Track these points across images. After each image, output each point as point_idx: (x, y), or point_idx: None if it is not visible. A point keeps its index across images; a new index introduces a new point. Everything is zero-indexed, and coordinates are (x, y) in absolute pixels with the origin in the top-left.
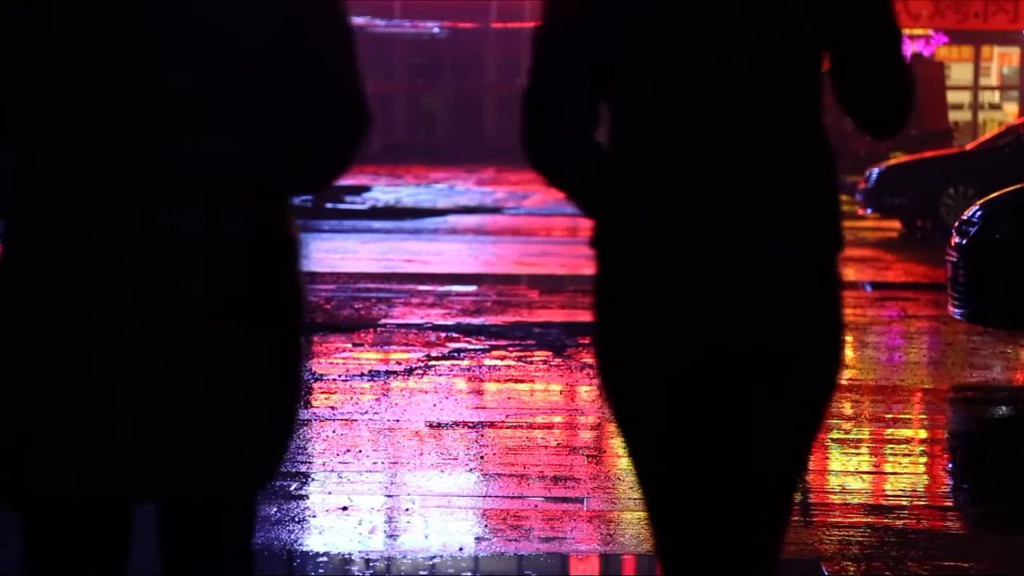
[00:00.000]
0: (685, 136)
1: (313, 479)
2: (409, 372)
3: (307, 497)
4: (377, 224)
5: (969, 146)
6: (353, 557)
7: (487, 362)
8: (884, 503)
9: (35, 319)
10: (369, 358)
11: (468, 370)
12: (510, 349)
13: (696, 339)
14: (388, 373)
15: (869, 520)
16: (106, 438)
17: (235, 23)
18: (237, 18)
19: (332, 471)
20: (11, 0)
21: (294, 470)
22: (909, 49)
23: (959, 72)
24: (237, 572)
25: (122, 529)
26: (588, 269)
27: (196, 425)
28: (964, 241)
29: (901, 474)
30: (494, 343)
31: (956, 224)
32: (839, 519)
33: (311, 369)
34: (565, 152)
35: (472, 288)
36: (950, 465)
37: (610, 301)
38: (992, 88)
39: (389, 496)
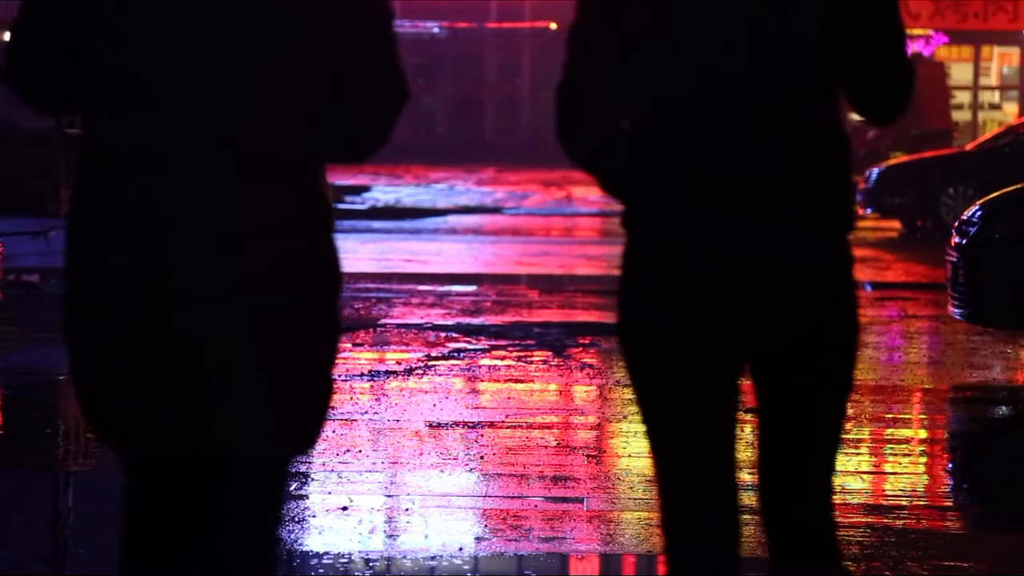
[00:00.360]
0: (712, 126)
1: (313, 479)
2: (409, 372)
3: (307, 497)
4: (377, 224)
5: (969, 146)
6: (353, 557)
7: (487, 362)
8: (884, 503)
9: (115, 286)
10: (369, 358)
11: (468, 370)
12: (510, 349)
13: (727, 317)
14: (388, 373)
15: (869, 520)
16: (189, 399)
17: (285, 5)
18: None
19: (332, 471)
20: None
21: (294, 470)
22: (909, 49)
23: (959, 72)
24: (267, 543)
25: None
26: (588, 269)
27: (263, 388)
28: (964, 241)
29: (901, 474)
30: (494, 343)
31: (956, 224)
32: (839, 519)
33: None
34: (598, 141)
35: (472, 288)
36: (950, 465)
37: (636, 278)
38: (992, 88)
39: (389, 496)
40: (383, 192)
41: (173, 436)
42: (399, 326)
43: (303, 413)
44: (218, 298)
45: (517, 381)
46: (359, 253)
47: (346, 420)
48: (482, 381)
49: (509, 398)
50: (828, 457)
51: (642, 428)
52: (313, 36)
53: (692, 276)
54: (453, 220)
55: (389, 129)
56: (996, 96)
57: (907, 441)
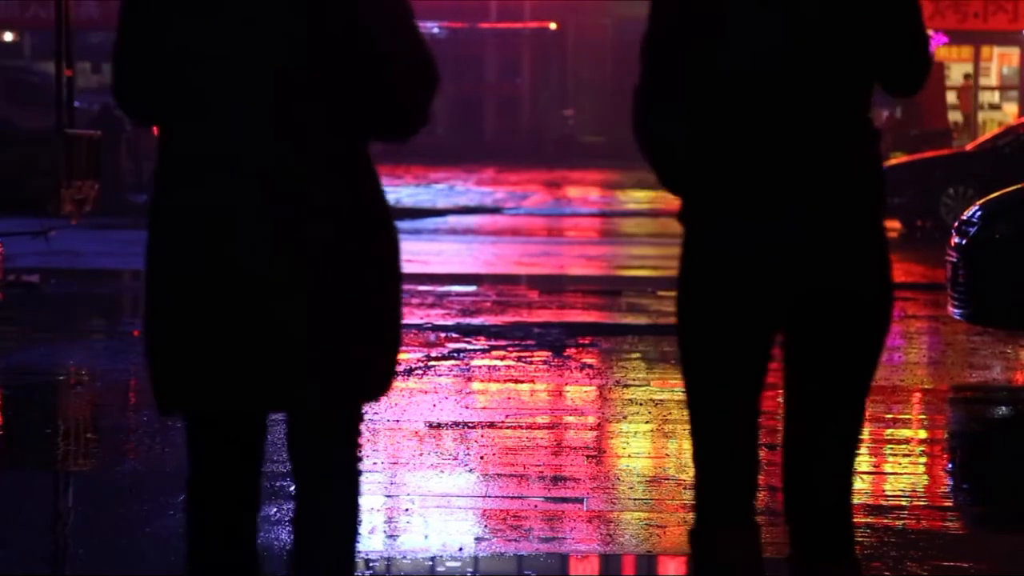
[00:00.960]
0: (761, 125)
1: None
2: (409, 372)
3: None
4: None
5: (969, 146)
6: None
7: (487, 362)
8: (884, 503)
9: (189, 266)
10: None
11: (468, 370)
12: (510, 349)
13: (775, 290)
14: None
15: (869, 520)
16: (253, 362)
17: (321, 11)
18: (331, 12)
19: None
20: (143, 9)
21: None
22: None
23: (959, 72)
24: (350, 474)
25: (262, 432)
26: (588, 269)
27: (325, 353)
28: (964, 241)
29: (901, 474)
30: (494, 343)
31: (956, 224)
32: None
33: None
34: (671, 141)
35: (472, 288)
36: (950, 465)
37: (696, 259)
38: (992, 88)
39: (389, 496)
40: None
41: (249, 396)
42: None
43: (385, 369)
44: (285, 272)
45: (517, 381)
46: None
47: None
48: (482, 381)
49: (509, 398)
50: (859, 427)
51: (642, 428)
52: (351, 40)
53: (749, 255)
54: (453, 220)
55: (427, 109)
56: (996, 96)
57: (907, 441)
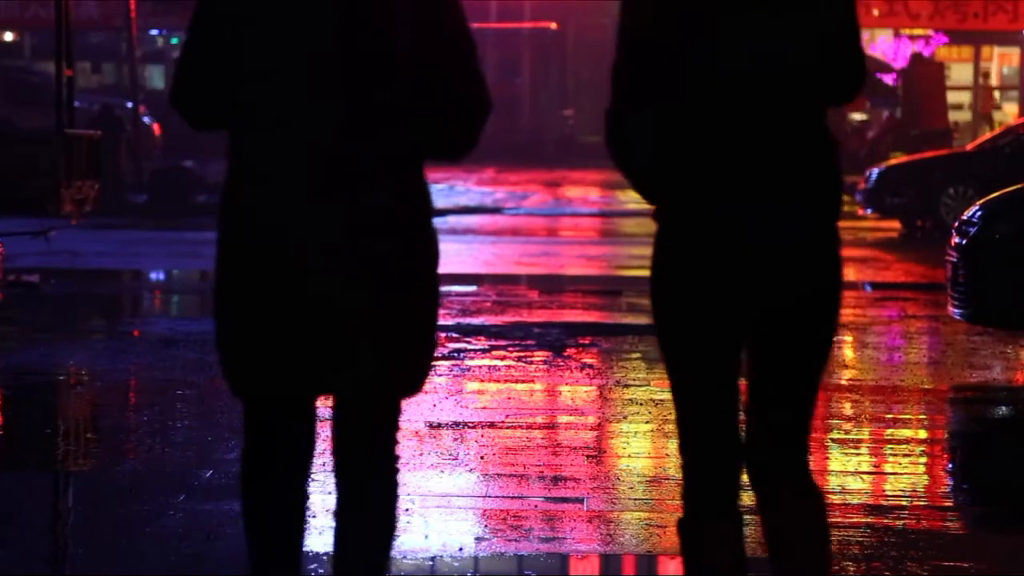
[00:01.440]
0: (724, 134)
1: (313, 479)
2: None
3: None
4: None
5: (969, 146)
6: None
7: (487, 362)
8: (884, 503)
9: (254, 267)
10: None
11: (468, 370)
12: (510, 349)
13: (738, 284)
14: None
15: (869, 520)
16: (310, 354)
17: (392, 40)
18: (395, 35)
19: (332, 471)
20: (223, 24)
21: None
22: (909, 49)
23: (959, 72)
24: (389, 459)
25: (312, 415)
26: (588, 269)
27: (373, 347)
28: (964, 241)
29: (901, 474)
30: (494, 343)
31: (956, 224)
32: (839, 519)
33: None
34: (642, 150)
35: (472, 288)
36: (950, 465)
37: (665, 256)
38: (992, 88)
39: None
40: None
41: (306, 383)
42: None
43: (421, 361)
44: (339, 275)
45: (517, 381)
46: None
47: None
48: (482, 381)
49: (509, 398)
50: (812, 398)
51: (642, 428)
52: (415, 64)
53: (712, 254)
54: (453, 220)
55: (479, 134)
56: (996, 96)
57: (907, 441)
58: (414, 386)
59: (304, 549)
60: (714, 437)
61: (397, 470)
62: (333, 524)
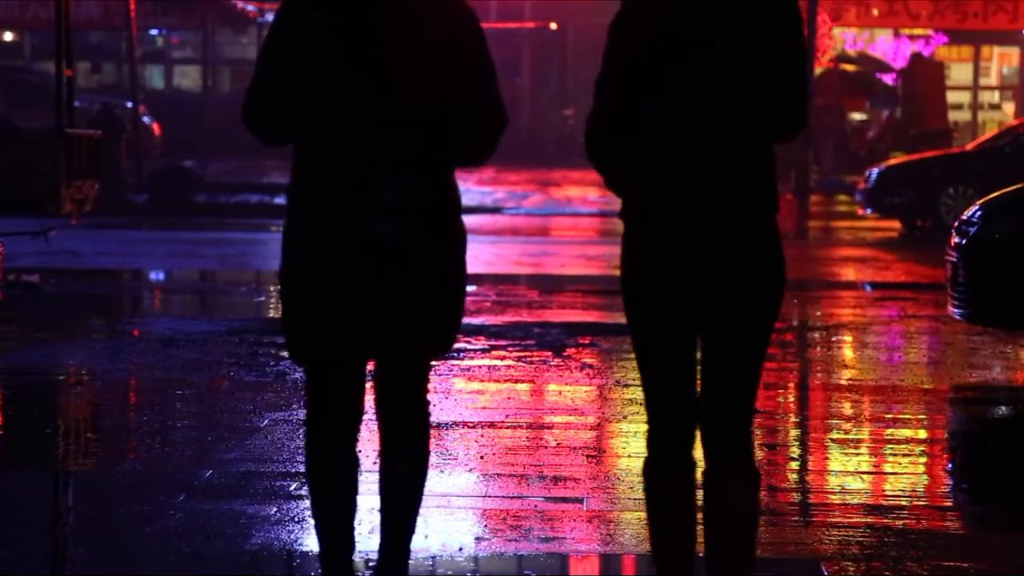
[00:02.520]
0: (680, 153)
1: None
2: None
3: (307, 497)
4: None
5: (969, 146)
6: (353, 557)
7: (487, 362)
8: (884, 503)
9: (312, 252)
10: None
11: (468, 370)
12: (510, 349)
13: (689, 281)
14: None
15: (869, 520)
16: (358, 325)
17: (421, 62)
18: (427, 63)
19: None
20: (293, 49)
21: (294, 470)
22: (909, 49)
23: (959, 72)
24: (422, 408)
25: (363, 376)
26: (588, 269)
27: (411, 316)
28: (964, 241)
29: (901, 474)
30: (494, 343)
31: (956, 224)
32: (839, 519)
33: None
34: (617, 155)
35: (472, 288)
36: (950, 465)
37: (632, 246)
38: (992, 88)
39: None
40: None
41: (355, 349)
42: None
43: (449, 329)
44: (384, 257)
45: (517, 381)
46: None
47: None
48: (482, 381)
49: (509, 398)
50: (755, 380)
51: (642, 428)
52: (443, 86)
53: (665, 248)
54: None
55: (496, 143)
56: (996, 96)
57: (907, 441)
58: (443, 348)
59: (304, 549)
60: (671, 406)
61: (429, 416)
62: (378, 465)
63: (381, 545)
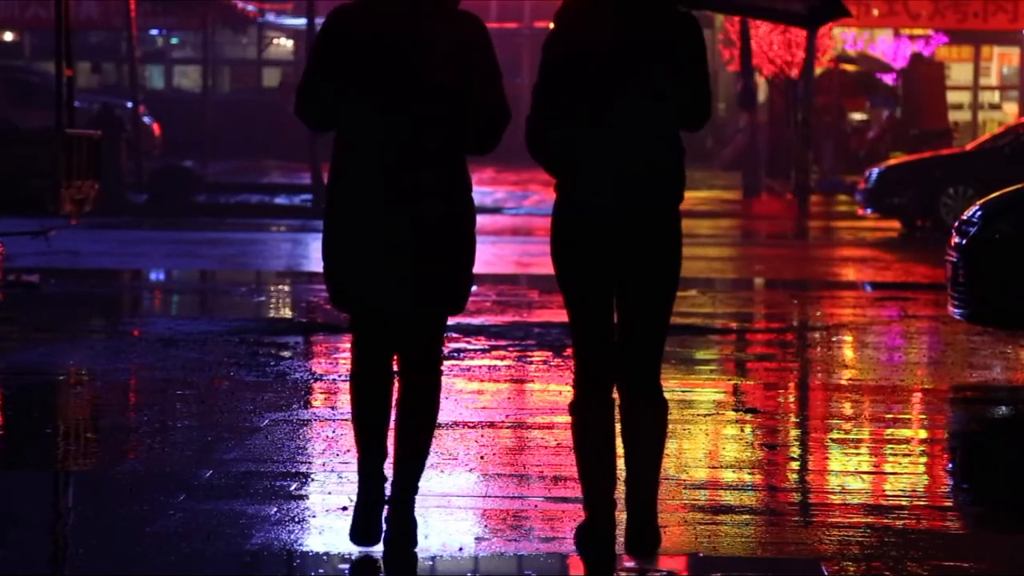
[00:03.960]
0: (604, 136)
1: (313, 479)
2: None
3: (307, 497)
4: None
5: (969, 146)
6: (353, 557)
7: (487, 362)
8: (884, 503)
9: (352, 223)
10: None
11: (468, 370)
12: (510, 349)
13: (608, 241)
14: None
15: (869, 520)
16: (389, 284)
17: (441, 72)
18: (444, 71)
19: (332, 471)
20: (340, 59)
21: (294, 470)
22: (909, 49)
23: (959, 72)
24: (437, 355)
25: (395, 327)
26: None
27: (433, 280)
28: (964, 241)
29: (901, 474)
30: (494, 343)
31: (956, 224)
32: (839, 519)
33: (311, 369)
34: (550, 151)
35: (473, 288)
36: (950, 465)
37: (560, 219)
38: (992, 88)
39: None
40: None
41: (388, 301)
42: None
43: (462, 292)
44: (411, 228)
45: (517, 381)
46: None
47: (346, 420)
48: (482, 381)
49: (509, 398)
50: (663, 332)
51: None
52: (457, 90)
53: (588, 221)
54: None
55: (501, 135)
56: (996, 96)
57: (907, 441)
58: (457, 307)
59: (304, 549)
60: (596, 350)
61: (441, 370)
62: (395, 413)
63: (395, 475)
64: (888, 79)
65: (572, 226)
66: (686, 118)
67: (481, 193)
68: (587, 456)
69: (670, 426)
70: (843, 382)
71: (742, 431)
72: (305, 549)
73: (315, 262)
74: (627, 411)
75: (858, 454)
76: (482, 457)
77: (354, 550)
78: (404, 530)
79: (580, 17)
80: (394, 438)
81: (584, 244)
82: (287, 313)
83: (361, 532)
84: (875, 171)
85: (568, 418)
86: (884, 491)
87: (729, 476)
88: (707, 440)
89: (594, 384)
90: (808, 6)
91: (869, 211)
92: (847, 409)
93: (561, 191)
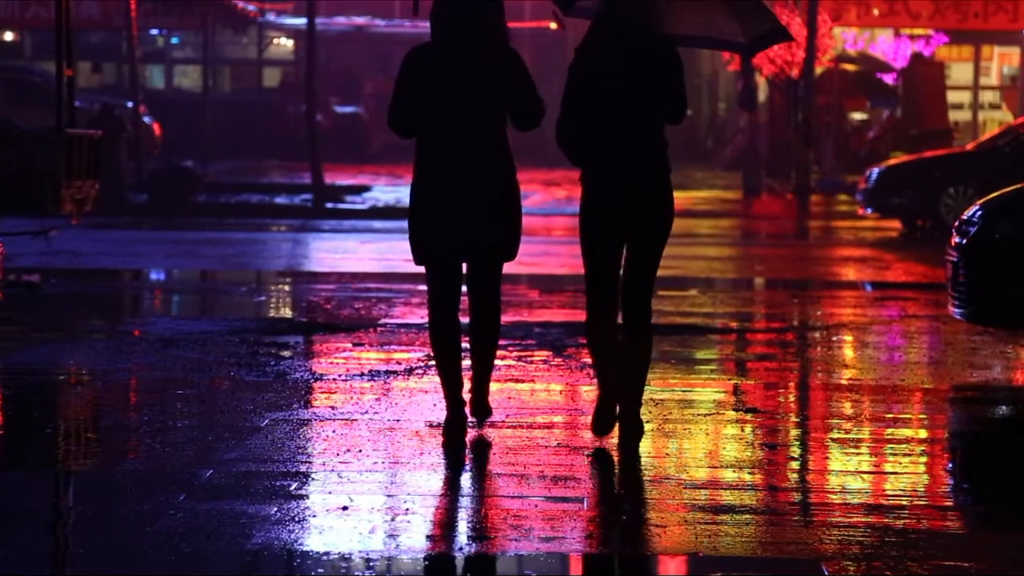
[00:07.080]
0: (615, 135)
1: (313, 479)
2: (409, 372)
3: (307, 497)
4: (377, 224)
5: (969, 146)
6: (353, 557)
7: None
8: (884, 503)
9: (430, 195)
10: (369, 358)
11: (468, 370)
12: (510, 349)
13: (617, 212)
14: (388, 373)
15: (869, 520)
16: (458, 234)
17: (491, 90)
18: (489, 83)
19: (332, 471)
20: (414, 76)
21: (294, 470)
22: (909, 49)
23: (959, 72)
24: (497, 298)
25: (460, 272)
26: None
27: (491, 228)
28: (964, 241)
29: (901, 474)
30: None
31: (956, 224)
32: (839, 519)
33: (311, 369)
34: (577, 146)
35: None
36: (950, 465)
37: (585, 194)
38: (992, 88)
39: (389, 496)
40: (383, 192)
41: (455, 248)
42: (399, 326)
43: (513, 239)
44: (479, 195)
45: (517, 381)
46: (359, 253)
47: (346, 420)
48: None
49: (509, 398)
50: (654, 275)
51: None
52: (503, 90)
53: (603, 194)
54: None
55: (539, 121)
56: (996, 96)
57: (907, 441)
58: (512, 254)
59: (304, 549)
60: (605, 287)
61: (499, 304)
62: (470, 335)
63: (474, 377)
64: (888, 79)
65: (593, 198)
66: (669, 116)
67: None
68: (599, 356)
69: (669, 426)
70: (843, 382)
71: (742, 431)
72: (305, 549)
73: (315, 261)
74: (626, 341)
75: (858, 454)
76: (482, 457)
77: (354, 549)
78: (484, 413)
79: (593, 50)
80: (470, 348)
81: (601, 210)
82: (287, 313)
83: (455, 440)
84: (875, 171)
85: (567, 418)
86: (884, 491)
87: (729, 476)
88: (707, 440)
89: (602, 307)
90: (751, 35)
91: (869, 211)
92: (847, 409)
93: (584, 175)
